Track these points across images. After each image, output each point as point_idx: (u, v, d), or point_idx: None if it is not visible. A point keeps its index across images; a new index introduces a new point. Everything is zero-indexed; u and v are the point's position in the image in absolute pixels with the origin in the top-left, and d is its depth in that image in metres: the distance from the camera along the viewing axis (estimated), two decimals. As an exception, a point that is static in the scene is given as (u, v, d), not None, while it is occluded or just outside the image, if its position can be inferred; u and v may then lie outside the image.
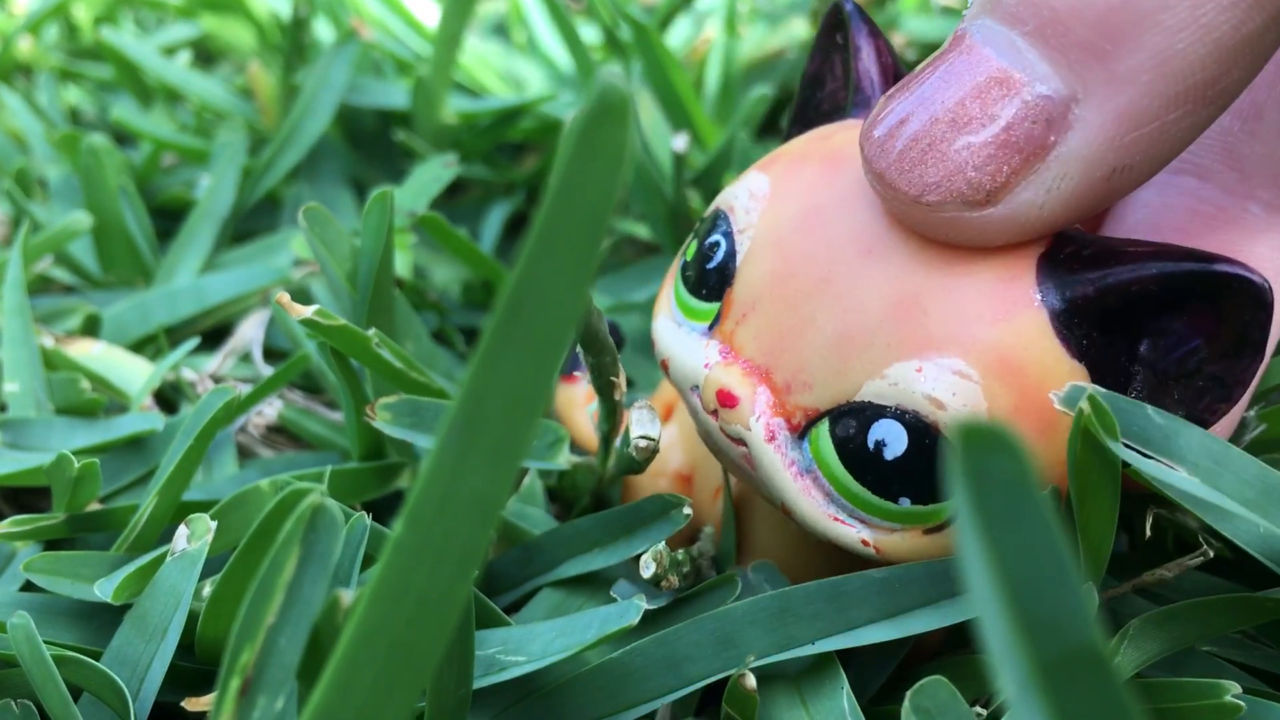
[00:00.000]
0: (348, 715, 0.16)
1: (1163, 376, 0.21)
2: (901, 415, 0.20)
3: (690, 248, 0.24)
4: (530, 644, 0.23)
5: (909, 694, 0.20)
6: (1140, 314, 0.20)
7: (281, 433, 0.36)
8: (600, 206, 0.14)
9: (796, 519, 0.22)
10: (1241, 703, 0.20)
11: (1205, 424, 0.21)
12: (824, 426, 0.21)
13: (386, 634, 0.16)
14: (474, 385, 0.14)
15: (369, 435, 0.30)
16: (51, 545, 0.29)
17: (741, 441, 0.22)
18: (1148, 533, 0.24)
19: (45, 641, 0.23)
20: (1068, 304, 0.20)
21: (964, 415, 0.20)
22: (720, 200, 0.24)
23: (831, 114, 0.25)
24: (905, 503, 0.21)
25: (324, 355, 0.28)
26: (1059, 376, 0.20)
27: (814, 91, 0.26)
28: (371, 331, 0.27)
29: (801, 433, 0.21)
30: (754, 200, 0.23)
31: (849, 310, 0.21)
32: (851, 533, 0.21)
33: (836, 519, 0.21)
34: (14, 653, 0.22)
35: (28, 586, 0.27)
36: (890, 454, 0.20)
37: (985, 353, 0.20)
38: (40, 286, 0.42)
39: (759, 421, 0.21)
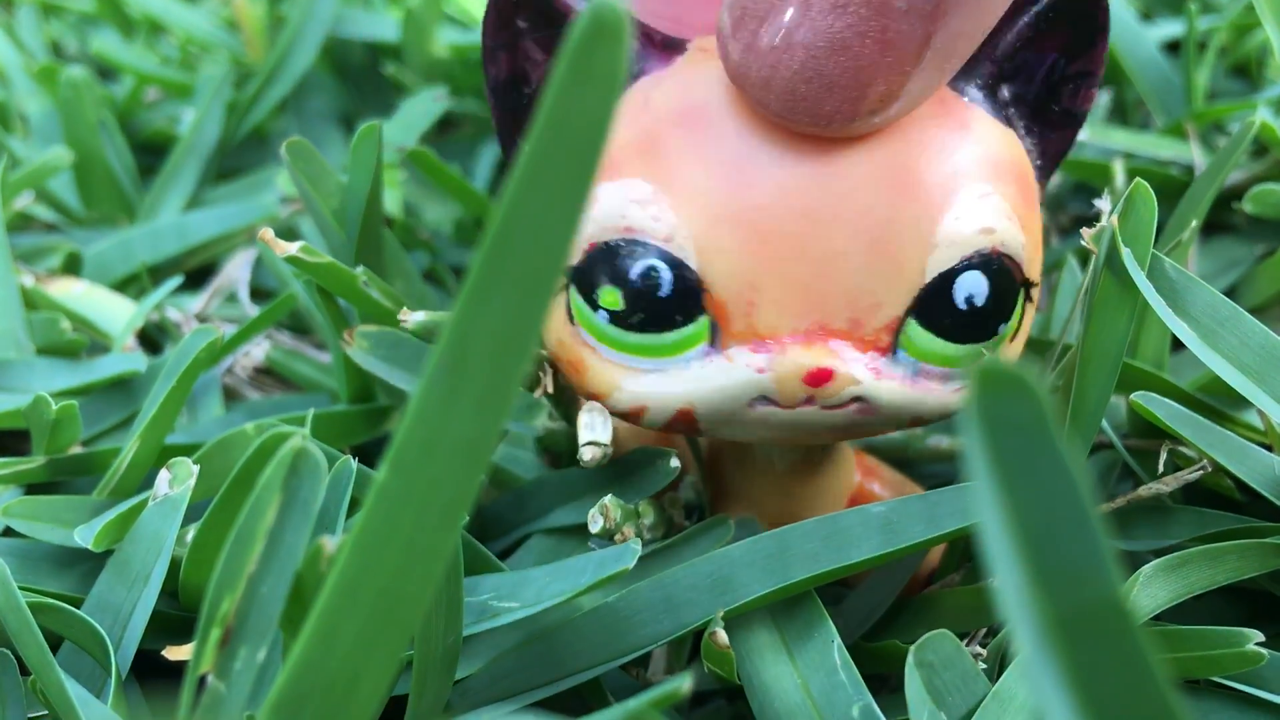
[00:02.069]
0: (332, 666, 0.15)
1: (1036, 104, 0.23)
2: (971, 263, 0.20)
3: (609, 297, 0.20)
4: (523, 589, 0.22)
5: (912, 649, 0.20)
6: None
7: (269, 374, 0.35)
8: (594, 134, 0.13)
9: (929, 422, 0.22)
10: (1263, 651, 0.20)
11: (1085, 114, 0.23)
12: (910, 326, 0.20)
13: (371, 583, 0.15)
14: (460, 324, 0.14)
15: (358, 377, 0.29)
16: (34, 489, 0.28)
17: (853, 400, 0.20)
18: (1160, 468, 0.24)
19: (26, 589, 0.23)
20: (983, 87, 0.22)
21: (1012, 230, 0.21)
22: (599, 234, 0.20)
23: None
24: (1002, 327, 0.21)
25: (311, 294, 0.28)
26: (1014, 146, 0.22)
27: (517, 96, 0.22)
28: (359, 269, 0.26)
29: (892, 347, 0.21)
30: (650, 207, 0.20)
31: (857, 216, 0.20)
32: None
33: (959, 389, 0.21)
34: (-10, 600, 0.21)
35: (8, 532, 0.26)
36: (980, 300, 0.21)
37: (981, 166, 0.21)
38: (20, 224, 0.42)
39: (863, 368, 0.20)
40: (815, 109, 0.19)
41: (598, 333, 0.21)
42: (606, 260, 0.20)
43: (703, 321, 0.20)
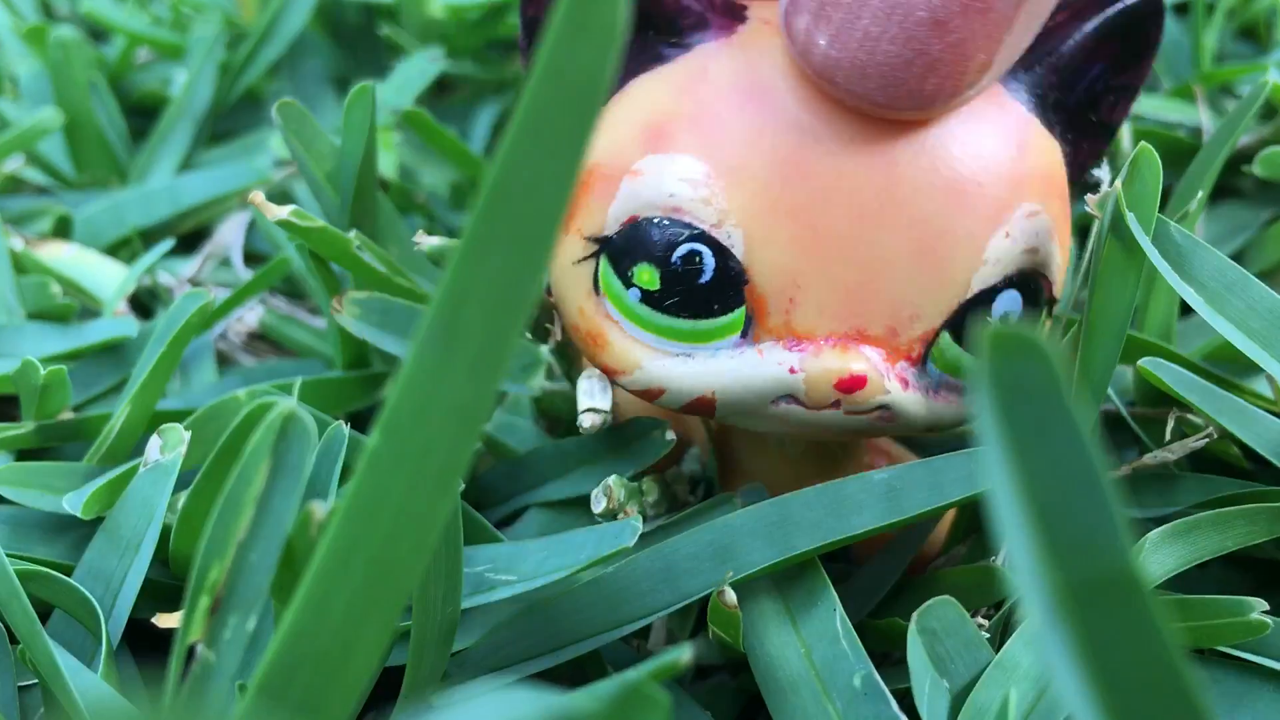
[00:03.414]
0: (324, 635, 0.15)
1: (1074, 112, 0.22)
2: (1012, 281, 0.20)
3: (645, 275, 0.20)
4: (521, 563, 0.22)
5: (915, 615, 0.20)
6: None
7: (263, 340, 0.34)
8: (591, 88, 0.13)
9: (943, 431, 0.21)
10: (1267, 620, 0.19)
11: (1119, 127, 0.23)
12: (943, 338, 0.20)
13: (363, 550, 0.15)
14: (453, 286, 0.13)
15: (353, 343, 0.29)
16: (24, 456, 0.28)
17: (877, 408, 0.20)
18: (1167, 436, 0.24)
19: (15, 556, 0.22)
20: (1039, 97, 0.21)
21: (1052, 250, 0.21)
22: (642, 209, 0.20)
23: None
24: None
25: (304, 259, 0.27)
26: (1059, 159, 0.21)
27: None
28: (352, 233, 0.26)
29: (923, 358, 0.20)
30: (701, 188, 0.19)
31: (911, 224, 0.19)
32: None
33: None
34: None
35: (-1, 499, 0.26)
36: (1014, 318, 0.21)
37: (1032, 181, 0.20)
38: (10, 187, 0.41)
39: (894, 378, 0.20)
40: (918, 90, 0.19)
41: (625, 309, 0.20)
42: (647, 237, 0.20)
43: (740, 312, 0.20)
